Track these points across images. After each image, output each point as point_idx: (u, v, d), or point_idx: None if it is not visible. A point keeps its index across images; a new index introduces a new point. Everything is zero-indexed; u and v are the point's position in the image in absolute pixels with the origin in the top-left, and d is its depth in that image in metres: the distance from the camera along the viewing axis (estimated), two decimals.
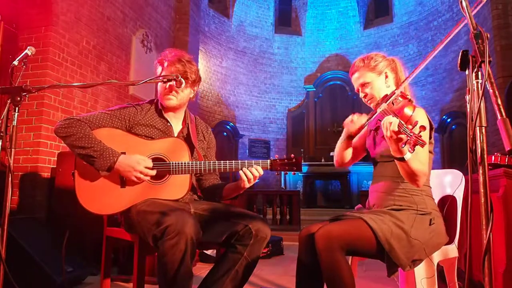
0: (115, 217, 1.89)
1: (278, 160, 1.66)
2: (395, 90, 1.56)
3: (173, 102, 1.79)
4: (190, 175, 1.72)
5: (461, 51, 0.97)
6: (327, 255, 1.38)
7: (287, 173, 1.69)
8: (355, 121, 1.68)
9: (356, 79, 1.72)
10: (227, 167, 1.66)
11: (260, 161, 1.66)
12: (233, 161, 1.67)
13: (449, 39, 1.27)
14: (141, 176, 1.63)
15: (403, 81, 1.58)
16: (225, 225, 1.66)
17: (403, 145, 1.24)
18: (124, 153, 1.67)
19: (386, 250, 1.40)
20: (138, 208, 1.61)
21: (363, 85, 1.69)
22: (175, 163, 1.67)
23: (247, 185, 1.66)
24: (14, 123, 1.40)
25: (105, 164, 1.62)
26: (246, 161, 1.65)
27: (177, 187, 1.70)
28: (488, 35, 0.94)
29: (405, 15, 9.02)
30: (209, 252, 3.62)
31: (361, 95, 1.72)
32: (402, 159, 1.36)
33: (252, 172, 1.63)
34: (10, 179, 1.38)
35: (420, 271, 1.53)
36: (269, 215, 6.35)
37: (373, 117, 1.53)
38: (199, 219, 1.64)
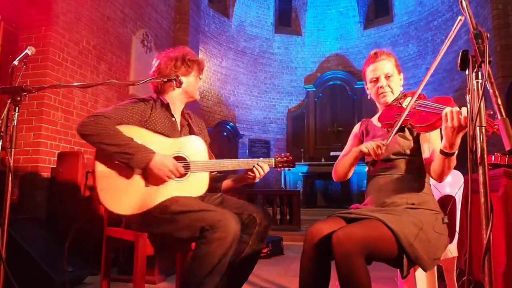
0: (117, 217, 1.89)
1: (279, 158, 1.90)
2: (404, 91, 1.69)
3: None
4: (210, 172, 1.80)
5: (461, 51, 0.97)
6: (346, 260, 1.32)
7: (284, 169, 1.92)
8: (383, 148, 1.51)
9: (382, 68, 1.69)
10: (240, 164, 1.82)
11: (267, 159, 1.87)
12: (245, 159, 1.85)
13: (449, 40, 1.32)
14: (173, 176, 1.66)
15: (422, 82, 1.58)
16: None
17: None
18: None
19: (410, 253, 1.36)
20: (173, 209, 1.61)
21: (388, 76, 1.69)
22: (196, 162, 1.73)
23: (255, 180, 1.85)
24: (14, 123, 1.41)
25: (142, 161, 1.60)
26: (255, 159, 1.86)
27: (197, 185, 1.76)
28: (488, 35, 0.94)
29: (405, 15, 9.03)
30: None
31: (382, 84, 1.68)
32: (451, 154, 1.35)
33: (263, 169, 1.81)
34: (10, 179, 1.38)
35: (419, 271, 1.53)
36: None
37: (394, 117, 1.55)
38: None
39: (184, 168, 1.70)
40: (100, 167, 1.64)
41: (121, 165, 1.63)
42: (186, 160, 1.73)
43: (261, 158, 1.86)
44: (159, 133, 1.76)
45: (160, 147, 1.70)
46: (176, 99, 1.87)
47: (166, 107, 1.84)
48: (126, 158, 1.59)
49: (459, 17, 1.28)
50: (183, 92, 1.87)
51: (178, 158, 1.72)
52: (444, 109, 1.31)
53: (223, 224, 1.48)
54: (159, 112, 1.81)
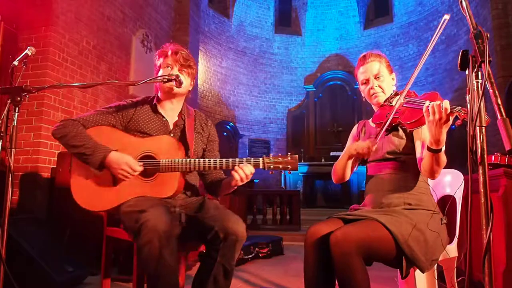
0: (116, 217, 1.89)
1: (271, 158, 1.59)
2: (397, 90, 1.66)
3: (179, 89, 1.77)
4: (181, 173, 1.67)
5: (461, 51, 0.97)
6: (344, 259, 1.32)
7: (282, 172, 1.59)
8: (372, 148, 1.56)
9: (371, 69, 1.71)
10: (217, 165, 1.62)
11: (252, 159, 1.61)
12: (224, 159, 1.63)
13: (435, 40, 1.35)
14: (127, 174, 1.61)
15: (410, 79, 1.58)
16: (200, 227, 1.63)
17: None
18: (116, 150, 1.66)
19: (407, 253, 1.36)
20: (123, 209, 1.58)
21: (378, 77, 1.70)
22: (164, 161, 1.63)
23: (239, 184, 1.62)
24: (14, 123, 1.41)
25: (96, 160, 1.62)
26: (237, 159, 1.61)
27: (165, 185, 1.65)
28: (488, 35, 0.94)
29: (405, 15, 9.03)
30: None
31: (373, 84, 1.70)
32: (437, 151, 1.34)
33: (244, 171, 1.58)
34: (10, 179, 1.38)
35: (419, 271, 1.53)
36: (269, 215, 6.35)
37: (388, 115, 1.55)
38: (182, 219, 1.66)
39: (149, 167, 1.64)
40: (75, 166, 1.71)
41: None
42: (155, 159, 1.66)
43: (246, 158, 1.62)
44: (143, 132, 1.75)
45: (127, 146, 1.69)
46: (161, 97, 1.85)
47: (154, 106, 1.83)
48: (84, 159, 1.64)
49: (444, 16, 1.31)
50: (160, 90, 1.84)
51: (146, 157, 1.67)
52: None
53: (146, 226, 1.39)
54: (144, 112, 1.80)
